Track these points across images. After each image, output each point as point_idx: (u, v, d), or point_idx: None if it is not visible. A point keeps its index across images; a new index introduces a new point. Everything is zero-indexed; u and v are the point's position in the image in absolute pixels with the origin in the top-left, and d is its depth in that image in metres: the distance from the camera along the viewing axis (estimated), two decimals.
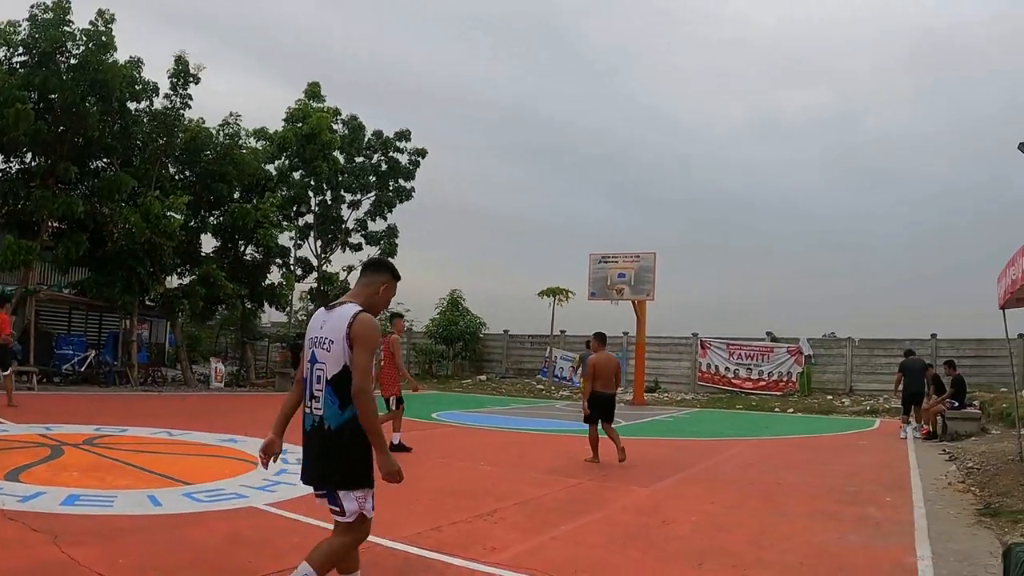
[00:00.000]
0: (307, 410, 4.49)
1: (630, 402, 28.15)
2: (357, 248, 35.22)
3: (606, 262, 29.83)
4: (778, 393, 29.91)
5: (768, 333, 32.34)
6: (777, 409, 26.11)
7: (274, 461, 4.82)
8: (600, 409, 12.11)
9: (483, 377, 36.60)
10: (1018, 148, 19.60)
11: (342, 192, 34.19)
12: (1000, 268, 12.21)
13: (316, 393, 4.41)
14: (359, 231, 35.24)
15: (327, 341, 4.39)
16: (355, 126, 34.44)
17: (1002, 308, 12.65)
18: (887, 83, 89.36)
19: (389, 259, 5.32)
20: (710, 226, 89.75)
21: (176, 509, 7.34)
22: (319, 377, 4.40)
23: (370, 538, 5.11)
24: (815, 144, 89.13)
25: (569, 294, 32.91)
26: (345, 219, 34.85)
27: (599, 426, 12.07)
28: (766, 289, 76.36)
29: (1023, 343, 26.28)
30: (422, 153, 35.04)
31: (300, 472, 4.54)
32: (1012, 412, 19.12)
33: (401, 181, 34.92)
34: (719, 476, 11.34)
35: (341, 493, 4.32)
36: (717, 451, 14.54)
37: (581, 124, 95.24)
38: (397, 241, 35.12)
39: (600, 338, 12.87)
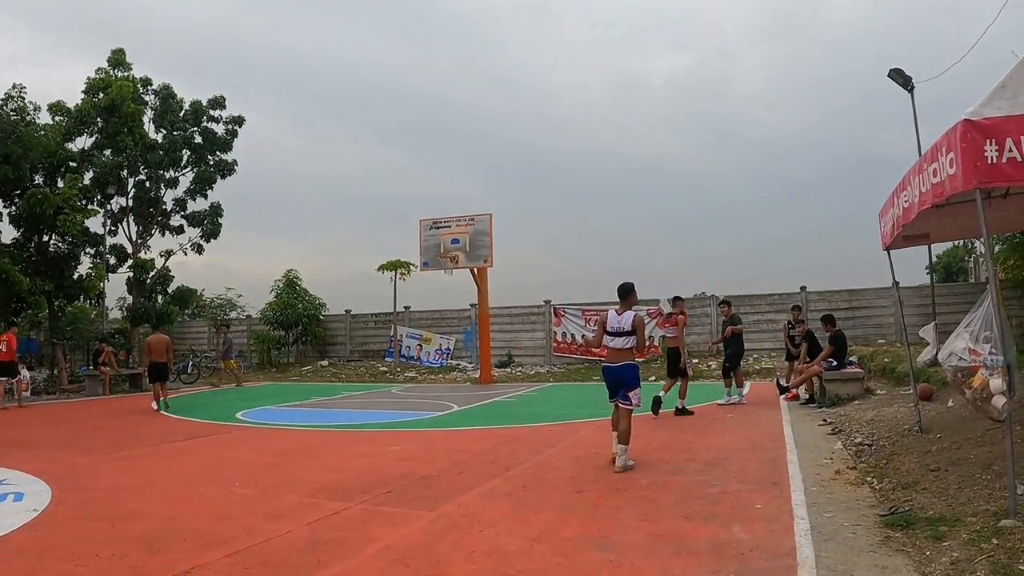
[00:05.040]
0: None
1: (477, 380, 25.36)
2: (179, 231, 31.87)
3: (438, 228, 26.55)
4: (641, 359, 27.11)
5: None
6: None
7: None
8: (156, 372, 18.50)
9: (325, 362, 33.55)
10: (888, 76, 18.21)
11: (159, 170, 30.56)
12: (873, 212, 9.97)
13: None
14: (179, 212, 31.81)
15: (623, 329, 9.30)
16: (166, 95, 30.81)
17: (887, 249, 10.29)
18: (748, 48, 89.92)
19: (626, 282, 9.63)
20: (567, 194, 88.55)
21: None
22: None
23: None
24: (677, 107, 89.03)
25: (411, 267, 29.67)
26: (164, 200, 31.30)
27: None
28: (629, 255, 75.37)
29: (897, 292, 24.46)
30: (239, 121, 31.88)
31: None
32: (896, 367, 17.16)
33: (220, 154, 31.64)
34: (542, 481, 8.47)
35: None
36: (555, 439, 11.70)
37: (426, 92, 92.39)
38: (221, 221, 32.00)
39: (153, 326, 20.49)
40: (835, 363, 15.22)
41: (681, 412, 14.38)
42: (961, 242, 35.25)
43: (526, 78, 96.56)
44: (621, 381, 9.40)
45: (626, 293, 9.49)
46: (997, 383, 5.65)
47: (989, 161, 5.72)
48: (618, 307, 9.44)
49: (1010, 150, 5.71)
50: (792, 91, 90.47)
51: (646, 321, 27.34)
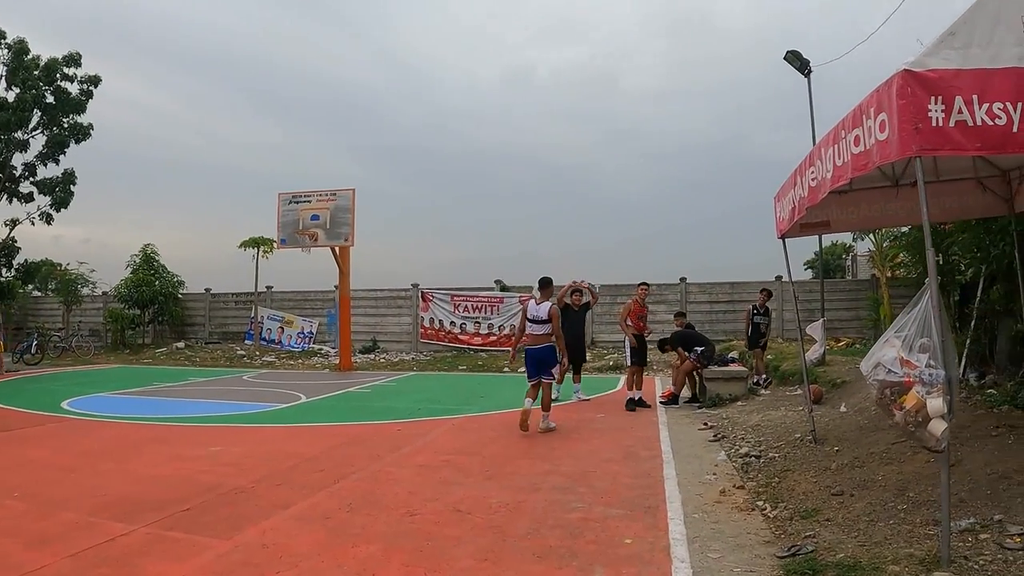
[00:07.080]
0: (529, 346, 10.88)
1: (337, 367, 23.75)
2: (28, 199, 28.98)
3: (297, 202, 24.53)
4: (510, 349, 25.89)
5: (497, 281, 28.38)
6: (507, 368, 21.67)
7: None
8: None
9: (182, 344, 31.24)
10: (784, 59, 17.36)
11: (8, 132, 27.65)
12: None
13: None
14: (29, 178, 28.95)
15: (541, 317, 10.69)
16: (19, 50, 27.83)
17: (782, 237, 9.14)
18: (642, 46, 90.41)
19: (545, 276, 11.26)
20: (455, 182, 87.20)
21: None
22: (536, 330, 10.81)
23: None
24: (567, 101, 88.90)
25: (275, 244, 27.52)
26: (13, 164, 28.45)
27: None
28: (510, 244, 74.54)
29: (780, 287, 23.79)
30: (95, 81, 28.96)
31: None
32: (780, 365, 16.33)
33: (74, 116, 28.80)
34: (373, 498, 7.01)
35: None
36: (401, 441, 10.19)
37: (299, 66, 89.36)
38: (74, 189, 29.23)
39: None
40: (691, 355, 14.01)
41: (637, 405, 13.57)
42: (839, 239, 35.33)
43: (417, 61, 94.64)
44: (543, 361, 10.74)
45: (544, 285, 11.19)
46: (936, 404, 4.41)
47: (934, 123, 4.51)
48: (538, 297, 10.99)
49: (960, 111, 4.52)
50: (680, 91, 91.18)
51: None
